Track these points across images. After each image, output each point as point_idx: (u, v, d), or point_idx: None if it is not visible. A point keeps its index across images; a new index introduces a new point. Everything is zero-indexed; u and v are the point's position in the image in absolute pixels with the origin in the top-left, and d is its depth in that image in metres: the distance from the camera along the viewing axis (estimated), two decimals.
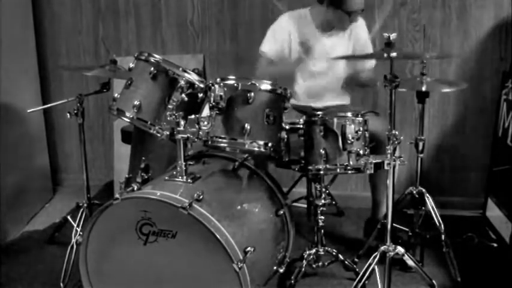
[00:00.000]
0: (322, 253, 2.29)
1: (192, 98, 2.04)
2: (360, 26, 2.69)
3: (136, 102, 2.03)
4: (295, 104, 2.68)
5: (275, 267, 2.14)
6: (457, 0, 3.04)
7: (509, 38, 2.99)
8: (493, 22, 3.01)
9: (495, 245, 2.66)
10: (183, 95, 2.02)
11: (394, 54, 1.91)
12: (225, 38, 3.34)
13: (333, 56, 2.54)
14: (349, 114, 2.07)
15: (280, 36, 2.63)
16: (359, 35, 2.69)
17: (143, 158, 2.07)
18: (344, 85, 2.73)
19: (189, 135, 1.95)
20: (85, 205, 2.53)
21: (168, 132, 2.03)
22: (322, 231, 2.27)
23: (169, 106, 2.00)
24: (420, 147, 2.33)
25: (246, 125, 1.94)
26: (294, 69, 2.63)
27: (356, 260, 2.44)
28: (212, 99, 1.94)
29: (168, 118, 1.98)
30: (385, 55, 1.94)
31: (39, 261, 2.59)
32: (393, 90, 1.96)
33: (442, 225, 2.35)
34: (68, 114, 2.44)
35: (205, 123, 1.94)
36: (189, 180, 1.95)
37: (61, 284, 2.29)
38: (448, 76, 3.09)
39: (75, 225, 2.45)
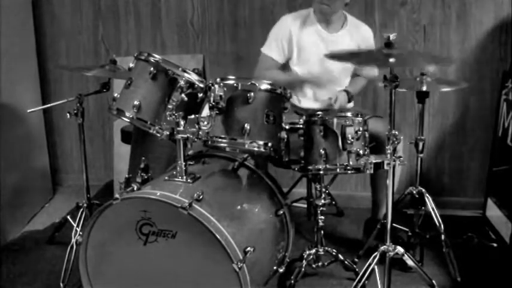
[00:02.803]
0: (322, 253, 2.29)
1: (192, 98, 2.04)
2: (366, 34, 2.69)
3: (136, 102, 2.02)
4: (295, 105, 2.68)
5: (275, 267, 2.14)
6: (457, 0, 3.04)
7: (509, 38, 2.99)
8: (493, 22, 3.01)
9: (495, 245, 2.66)
10: (183, 95, 2.01)
11: (392, 60, 1.89)
12: (225, 38, 3.34)
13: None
14: (349, 114, 2.07)
15: (280, 35, 2.64)
16: (365, 39, 2.67)
17: (143, 158, 2.06)
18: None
19: (189, 135, 1.95)
20: (85, 205, 2.53)
21: (168, 132, 2.03)
22: (322, 231, 2.27)
23: (169, 106, 2.00)
24: (420, 147, 2.33)
25: (246, 125, 1.94)
26: (296, 87, 2.63)
27: (356, 260, 2.44)
28: (212, 99, 1.94)
29: (168, 118, 1.97)
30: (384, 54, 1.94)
31: (39, 261, 2.59)
32: (393, 91, 1.96)
33: (442, 225, 2.35)
34: (68, 114, 2.44)
35: (205, 123, 1.94)
36: (189, 180, 1.95)
37: (61, 284, 2.29)
38: (448, 76, 3.09)
39: (75, 225, 2.45)
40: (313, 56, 2.63)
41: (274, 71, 2.66)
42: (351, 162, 2.02)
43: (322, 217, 2.24)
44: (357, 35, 2.66)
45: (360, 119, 2.05)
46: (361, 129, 2.04)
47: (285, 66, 2.72)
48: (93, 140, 3.60)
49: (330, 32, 2.65)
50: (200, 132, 1.95)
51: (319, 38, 2.64)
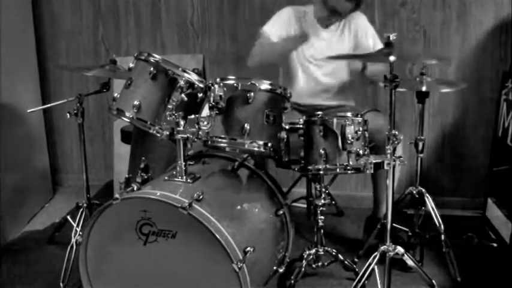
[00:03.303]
0: (322, 253, 2.29)
1: (191, 98, 2.04)
2: (359, 20, 2.69)
3: (136, 102, 2.02)
4: (296, 103, 2.68)
5: (275, 267, 2.14)
6: (457, 0, 3.04)
7: (509, 38, 2.99)
8: (493, 22, 3.01)
9: (495, 245, 2.66)
10: (183, 95, 2.01)
11: (392, 58, 1.91)
12: (225, 38, 3.35)
13: (331, 52, 2.55)
14: (349, 114, 2.07)
15: (281, 19, 2.65)
16: (360, 24, 2.67)
17: (143, 158, 2.06)
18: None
19: (188, 135, 1.95)
20: (85, 205, 2.53)
21: (168, 132, 2.03)
22: (322, 231, 2.27)
23: (169, 106, 2.00)
24: (420, 147, 2.33)
25: (246, 125, 1.94)
26: (291, 48, 2.61)
27: (356, 260, 2.44)
28: (212, 99, 1.94)
29: (168, 118, 1.97)
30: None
31: (39, 261, 2.60)
32: (393, 90, 1.96)
33: (442, 225, 2.35)
34: (68, 114, 2.44)
35: (205, 123, 1.94)
36: (188, 180, 1.95)
37: (61, 284, 2.29)
38: (448, 76, 3.09)
39: (75, 225, 2.45)
40: (308, 52, 2.65)
41: (267, 46, 2.63)
42: (350, 162, 2.02)
43: (322, 217, 2.24)
44: (351, 24, 2.67)
45: (359, 119, 2.05)
46: (360, 129, 2.04)
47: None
48: (93, 140, 3.60)
49: (326, 28, 2.67)
50: (200, 132, 1.95)
51: (316, 35, 2.64)
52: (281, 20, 2.67)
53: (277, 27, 2.64)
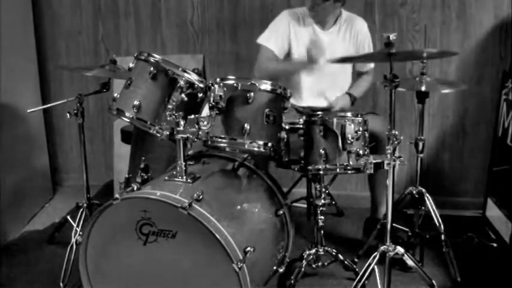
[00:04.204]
0: (322, 253, 2.28)
1: (191, 98, 2.04)
2: (361, 26, 2.71)
3: (136, 102, 2.02)
4: (295, 105, 2.68)
5: (275, 267, 2.14)
6: (457, 0, 3.04)
7: (509, 38, 2.99)
8: (493, 22, 3.01)
9: (495, 245, 2.66)
10: (183, 95, 2.01)
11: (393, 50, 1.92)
12: (225, 38, 3.35)
13: (331, 53, 2.55)
14: (349, 114, 2.07)
15: (280, 29, 2.66)
16: (360, 30, 2.69)
17: (143, 158, 2.07)
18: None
19: (188, 135, 1.95)
20: (85, 205, 2.53)
21: (168, 132, 2.03)
22: (322, 231, 2.27)
23: (169, 106, 2.00)
24: (420, 147, 2.33)
25: (246, 125, 1.94)
26: (296, 72, 2.65)
27: (356, 260, 2.44)
28: (212, 99, 1.94)
29: (168, 118, 1.97)
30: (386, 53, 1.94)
31: (39, 261, 2.60)
32: (393, 90, 1.96)
33: (442, 225, 2.35)
34: (68, 114, 2.44)
35: (205, 123, 1.94)
36: (188, 180, 1.95)
37: (61, 284, 2.29)
38: (448, 76, 3.09)
39: (75, 225, 2.45)
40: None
41: (274, 62, 2.66)
42: (350, 162, 2.02)
43: (322, 217, 2.24)
44: (352, 28, 2.68)
45: (359, 119, 2.05)
46: (360, 129, 2.04)
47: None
48: (93, 140, 3.60)
49: (325, 30, 2.68)
50: (200, 132, 1.95)
51: (314, 36, 2.65)
52: (279, 29, 2.66)
53: (275, 40, 2.65)
